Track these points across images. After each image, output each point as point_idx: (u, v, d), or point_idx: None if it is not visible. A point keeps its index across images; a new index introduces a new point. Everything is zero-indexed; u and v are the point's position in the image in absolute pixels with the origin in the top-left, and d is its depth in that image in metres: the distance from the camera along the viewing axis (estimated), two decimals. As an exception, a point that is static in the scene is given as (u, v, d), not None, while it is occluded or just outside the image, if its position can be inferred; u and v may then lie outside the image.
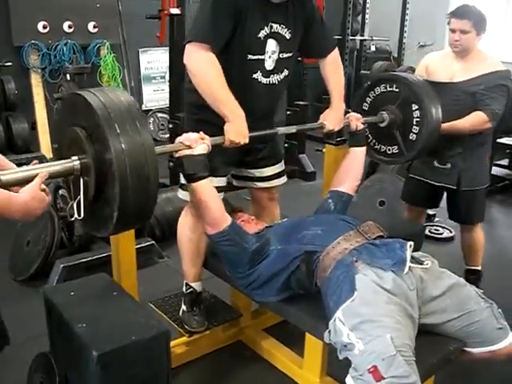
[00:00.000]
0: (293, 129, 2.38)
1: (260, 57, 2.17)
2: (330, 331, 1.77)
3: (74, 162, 1.55)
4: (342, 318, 1.71)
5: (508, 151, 5.43)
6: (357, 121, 2.43)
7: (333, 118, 2.39)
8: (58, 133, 1.74)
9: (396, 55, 7.37)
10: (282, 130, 2.32)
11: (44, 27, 5.33)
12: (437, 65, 2.87)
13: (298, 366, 2.33)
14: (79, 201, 1.57)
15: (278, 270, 1.98)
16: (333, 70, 2.48)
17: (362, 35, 7.92)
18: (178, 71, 4.78)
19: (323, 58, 2.44)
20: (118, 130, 1.46)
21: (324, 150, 2.98)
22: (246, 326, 2.63)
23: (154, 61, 6.68)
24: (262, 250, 2.02)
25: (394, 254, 1.85)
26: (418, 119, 2.54)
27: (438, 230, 4.06)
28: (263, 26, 2.14)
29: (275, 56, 2.21)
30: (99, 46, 5.76)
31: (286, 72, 2.28)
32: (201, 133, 1.91)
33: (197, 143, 1.86)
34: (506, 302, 2.59)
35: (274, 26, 2.17)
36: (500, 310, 1.91)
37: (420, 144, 2.56)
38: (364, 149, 2.45)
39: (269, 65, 2.20)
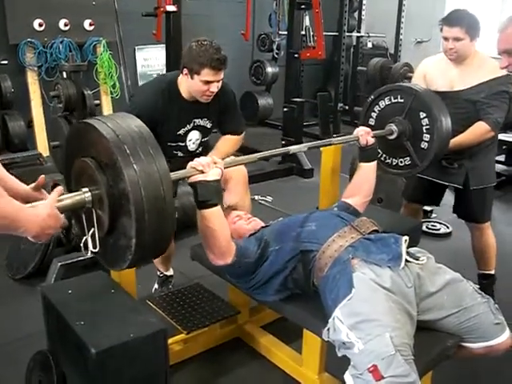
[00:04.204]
0: (304, 147, 2.33)
1: (180, 143, 2.59)
2: (328, 329, 1.77)
3: (85, 193, 1.49)
4: (340, 316, 1.72)
5: (504, 147, 5.44)
6: (367, 135, 2.37)
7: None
8: (64, 165, 1.66)
9: (393, 51, 7.37)
10: (293, 148, 2.31)
11: (40, 25, 5.31)
12: (434, 72, 2.81)
13: (297, 362, 2.33)
14: (93, 234, 1.51)
15: (275, 271, 1.99)
16: (225, 143, 2.73)
17: (359, 32, 7.92)
18: (174, 68, 4.79)
19: (225, 134, 2.77)
20: (131, 157, 1.39)
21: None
22: (244, 323, 2.63)
23: (151, 58, 6.66)
24: (263, 255, 2.01)
25: (390, 249, 1.86)
26: (427, 127, 2.52)
27: (435, 226, 4.07)
28: (185, 124, 2.56)
29: (198, 141, 2.66)
30: (95, 43, 5.74)
31: (203, 146, 2.70)
32: (213, 157, 1.87)
33: (209, 168, 1.80)
34: (503, 297, 2.61)
35: (197, 120, 2.59)
36: (497, 305, 1.92)
37: (433, 151, 2.53)
38: (375, 163, 2.42)
39: (192, 148, 2.65)
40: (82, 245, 1.55)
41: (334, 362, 1.82)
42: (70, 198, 1.49)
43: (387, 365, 1.58)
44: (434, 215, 4.22)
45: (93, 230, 1.50)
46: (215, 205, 1.84)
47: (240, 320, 2.62)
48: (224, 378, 2.39)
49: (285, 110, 5.61)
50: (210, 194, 1.80)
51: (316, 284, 1.92)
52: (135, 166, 1.38)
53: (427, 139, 2.54)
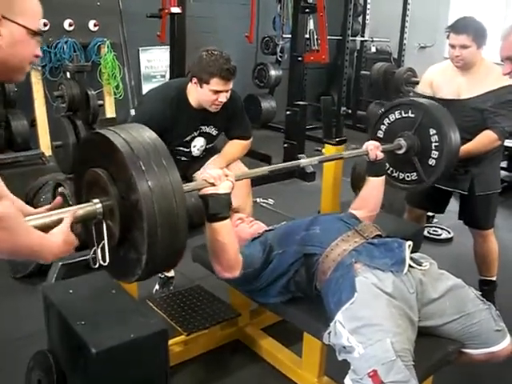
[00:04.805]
0: (315, 160, 2.34)
1: (184, 149, 2.63)
2: (329, 333, 1.77)
3: (96, 205, 1.47)
4: (342, 320, 1.72)
5: (507, 153, 5.44)
6: (376, 149, 2.34)
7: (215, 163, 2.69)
8: (74, 173, 1.64)
9: (396, 56, 7.37)
10: (304, 161, 2.29)
11: (44, 25, 5.30)
12: (440, 79, 2.80)
13: (297, 365, 2.33)
14: (103, 246, 1.48)
15: (278, 274, 1.99)
16: (232, 147, 2.77)
17: (363, 36, 7.92)
18: (178, 70, 4.79)
19: (232, 139, 2.79)
20: (144, 169, 1.36)
21: (323, 150, 2.97)
22: (244, 325, 2.62)
23: (155, 59, 6.67)
24: (268, 259, 2.00)
25: (393, 254, 1.85)
26: (436, 144, 2.49)
27: (436, 231, 4.06)
28: (192, 131, 2.59)
29: (202, 148, 2.70)
30: (99, 44, 5.76)
31: (207, 152, 2.75)
32: (224, 169, 1.85)
33: (221, 180, 1.77)
34: (504, 303, 2.60)
35: (203, 127, 2.63)
36: (498, 312, 1.92)
37: (440, 169, 2.50)
38: (383, 178, 2.39)
39: (196, 154, 2.70)
40: (89, 257, 1.53)
41: (334, 366, 1.82)
42: (81, 209, 1.47)
43: (387, 370, 1.58)
44: (435, 220, 4.21)
45: (103, 242, 1.48)
46: (225, 218, 1.81)
47: (240, 322, 2.62)
48: (224, 379, 2.39)
49: (288, 113, 5.60)
50: (220, 207, 1.78)
51: (318, 287, 1.92)
52: (149, 183, 1.36)
53: (435, 156, 2.51)
